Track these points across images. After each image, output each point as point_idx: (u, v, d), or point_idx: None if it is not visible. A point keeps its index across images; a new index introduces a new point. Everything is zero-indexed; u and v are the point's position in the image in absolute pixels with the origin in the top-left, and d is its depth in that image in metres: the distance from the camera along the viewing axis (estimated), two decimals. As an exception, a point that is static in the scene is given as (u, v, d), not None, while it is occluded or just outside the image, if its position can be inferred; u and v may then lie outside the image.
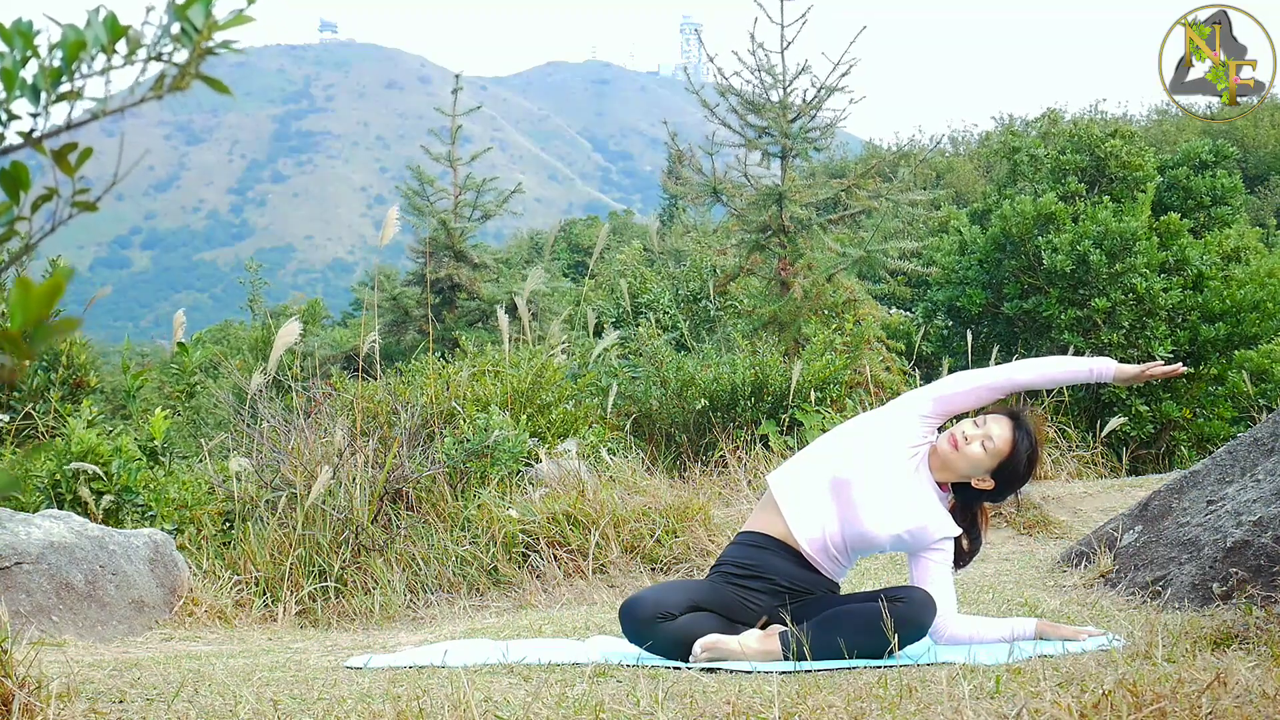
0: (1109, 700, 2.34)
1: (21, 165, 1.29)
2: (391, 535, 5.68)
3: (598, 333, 10.33)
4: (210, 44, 1.29)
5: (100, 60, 1.28)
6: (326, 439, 5.96)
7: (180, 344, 9.15)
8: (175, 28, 1.29)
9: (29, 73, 1.28)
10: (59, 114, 1.30)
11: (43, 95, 1.28)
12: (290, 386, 7.19)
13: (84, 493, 5.31)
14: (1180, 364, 3.76)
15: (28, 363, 1.17)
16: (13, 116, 1.29)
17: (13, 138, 1.30)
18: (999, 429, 3.61)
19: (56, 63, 1.27)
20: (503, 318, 7.48)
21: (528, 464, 6.39)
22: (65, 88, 1.28)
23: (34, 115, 1.29)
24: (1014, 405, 3.85)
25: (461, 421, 6.55)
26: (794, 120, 10.20)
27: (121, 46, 1.28)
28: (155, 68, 1.32)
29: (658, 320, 11.31)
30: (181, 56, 1.30)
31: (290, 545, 5.45)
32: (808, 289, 9.81)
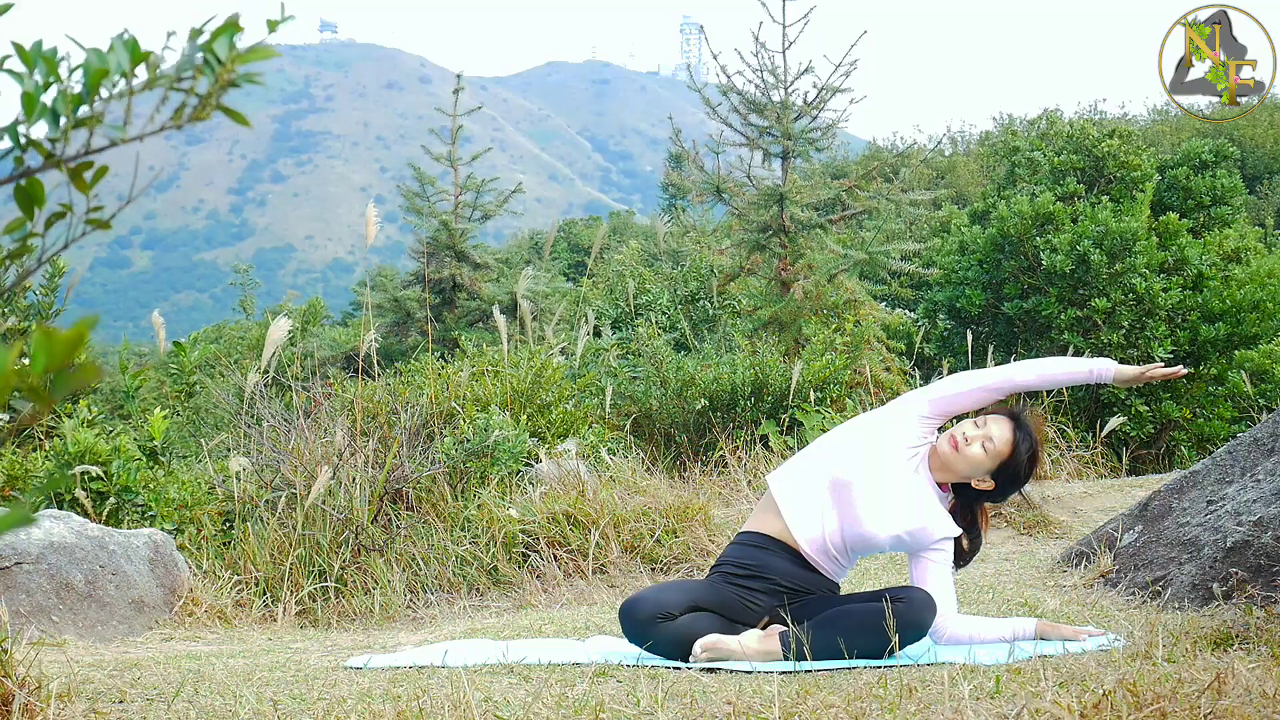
0: (1109, 700, 2.34)
1: (37, 181, 1.29)
2: (391, 535, 5.68)
3: (595, 333, 10.32)
4: (232, 75, 1.29)
5: (120, 85, 1.28)
6: (326, 439, 5.96)
7: (177, 344, 9.13)
8: (199, 58, 1.29)
9: (49, 97, 1.28)
10: (77, 139, 1.30)
11: (62, 120, 1.28)
12: (290, 386, 7.18)
13: (80, 495, 5.31)
14: (1181, 366, 3.76)
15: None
16: (32, 142, 1.29)
17: (31, 160, 1.30)
18: (999, 430, 3.61)
19: (77, 88, 1.27)
20: (499, 318, 7.46)
21: (528, 464, 6.39)
22: (84, 113, 1.28)
23: (53, 140, 1.29)
24: (1014, 406, 3.85)
25: (461, 421, 6.55)
26: (796, 120, 10.20)
27: (141, 71, 1.28)
28: (175, 94, 1.32)
29: (657, 320, 11.31)
30: (203, 87, 1.30)
31: (290, 545, 5.44)
32: (808, 289, 9.81)
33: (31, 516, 1.12)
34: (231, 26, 1.29)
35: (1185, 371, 3.73)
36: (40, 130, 1.29)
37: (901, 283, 13.56)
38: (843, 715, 2.48)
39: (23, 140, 1.28)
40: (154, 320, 7.19)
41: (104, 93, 1.28)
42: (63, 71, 1.27)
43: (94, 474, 5.41)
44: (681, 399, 7.99)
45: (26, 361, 1.12)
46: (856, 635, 3.32)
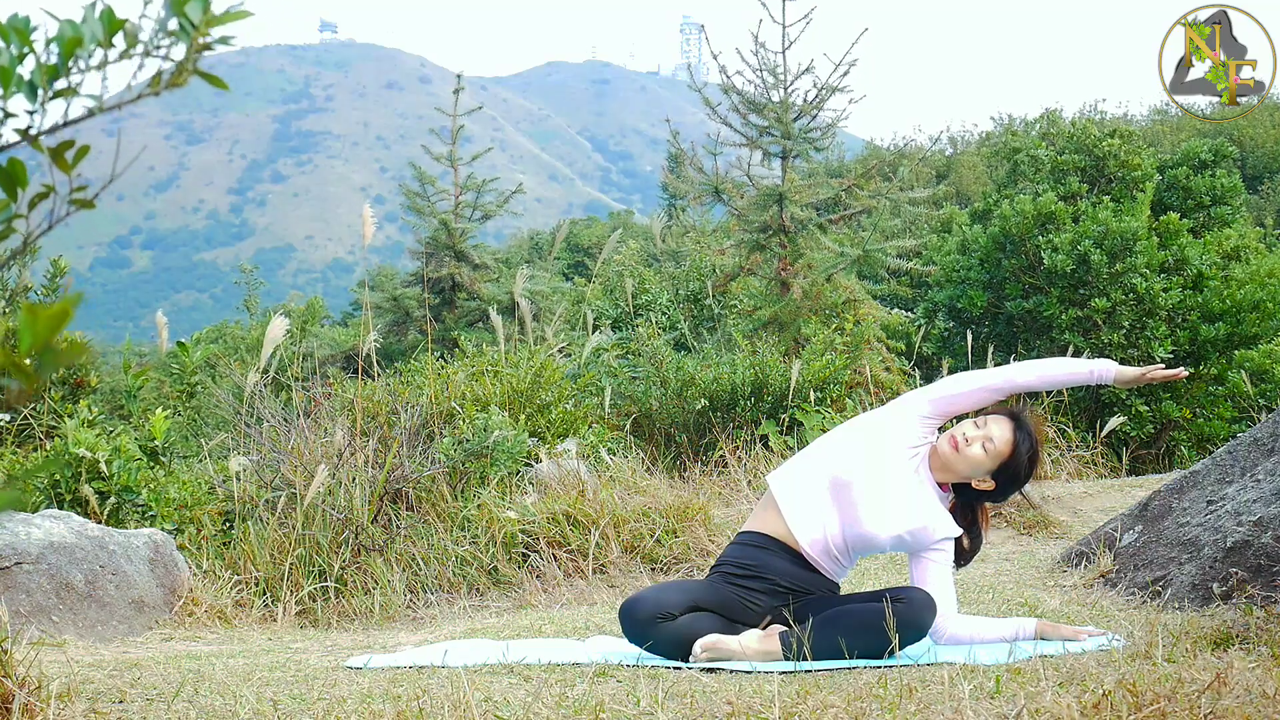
0: (1109, 700, 2.34)
1: (18, 162, 1.29)
2: (391, 535, 5.67)
3: (594, 329, 10.32)
4: (207, 39, 1.29)
5: (97, 55, 1.28)
6: (326, 439, 5.95)
7: (180, 344, 9.14)
8: (172, 23, 1.29)
9: (26, 69, 1.27)
10: (56, 111, 1.30)
11: (40, 92, 1.28)
12: (289, 386, 7.18)
13: (86, 490, 5.31)
14: (1182, 368, 3.76)
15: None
16: (9, 115, 1.28)
17: (9, 135, 1.30)
18: (1000, 430, 3.60)
19: (53, 59, 1.27)
20: (496, 319, 7.47)
21: (527, 464, 6.39)
22: (62, 84, 1.28)
23: (30, 113, 1.28)
24: (1014, 406, 3.85)
25: (461, 421, 6.55)
26: (795, 120, 10.20)
27: (118, 41, 1.28)
28: (152, 64, 1.31)
29: (657, 320, 11.31)
30: (179, 52, 1.29)
31: (290, 545, 5.44)
32: (808, 289, 9.80)
33: (24, 498, 1.12)
34: None
35: (1186, 373, 3.73)
36: (18, 104, 1.28)
37: (901, 282, 13.56)
38: (843, 715, 2.48)
39: (0, 114, 1.28)
40: (157, 320, 7.20)
41: (81, 64, 1.27)
42: (38, 44, 1.27)
43: (96, 471, 5.40)
44: (681, 399, 7.99)
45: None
46: (857, 635, 3.31)
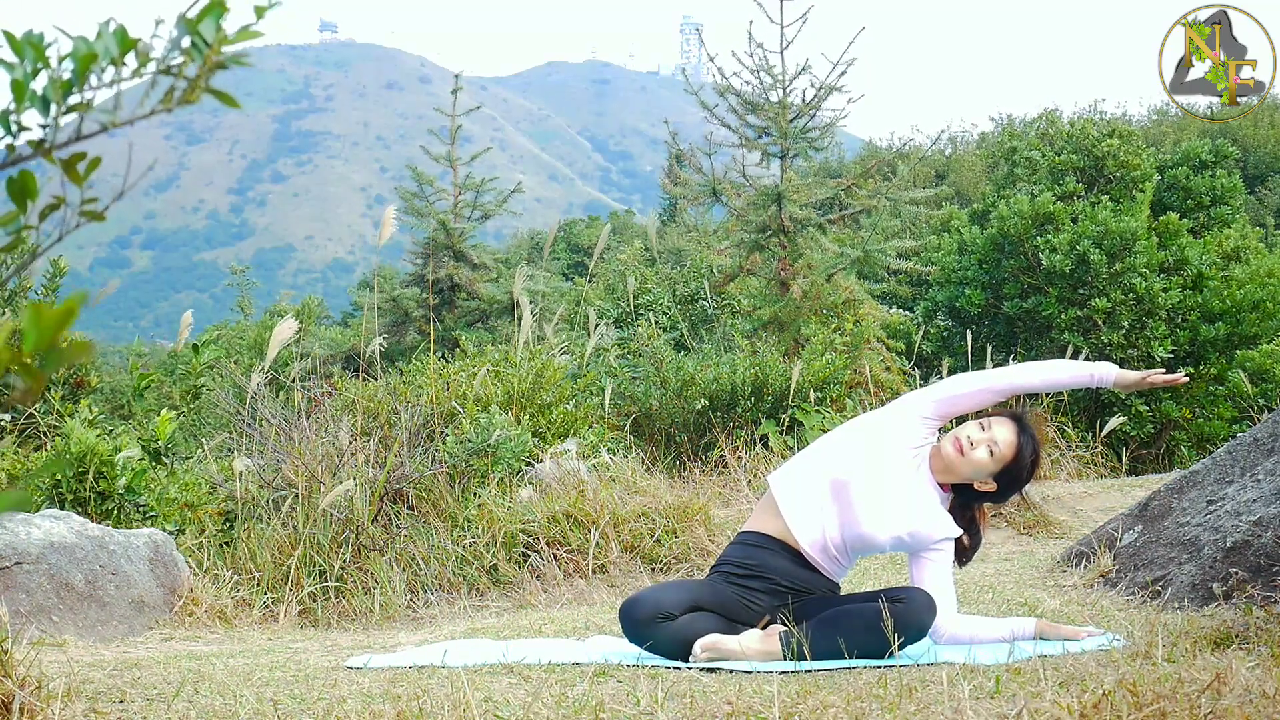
0: (1109, 700, 2.34)
1: (29, 174, 1.29)
2: (391, 535, 5.68)
3: (596, 330, 10.30)
4: (220, 57, 1.29)
5: (110, 72, 1.28)
6: (328, 439, 5.96)
7: (194, 345, 9.17)
8: (185, 41, 1.29)
9: (39, 84, 1.28)
10: (68, 125, 1.31)
11: (53, 107, 1.28)
12: (290, 386, 7.19)
13: (87, 490, 5.31)
14: (1182, 373, 3.76)
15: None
16: (22, 128, 1.29)
17: (22, 148, 1.30)
18: (1004, 433, 3.60)
19: (67, 75, 1.27)
20: (527, 317, 7.46)
21: (528, 464, 6.39)
22: (75, 99, 1.28)
23: (43, 127, 1.29)
24: (1016, 408, 3.85)
25: (462, 421, 6.55)
26: (793, 120, 10.20)
27: (131, 59, 1.28)
28: (164, 80, 1.32)
29: (657, 320, 11.31)
30: (191, 70, 1.30)
31: (291, 545, 5.44)
32: (807, 289, 9.80)
33: (29, 498, 1.12)
34: (217, 7, 1.29)
35: (1185, 379, 3.72)
36: (31, 118, 1.29)
37: (900, 281, 13.56)
38: (842, 715, 2.48)
39: (14, 127, 1.28)
40: (183, 319, 7.32)
41: (94, 80, 1.28)
42: (52, 59, 1.28)
43: (98, 471, 5.41)
44: (681, 399, 7.99)
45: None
46: (857, 635, 3.32)
